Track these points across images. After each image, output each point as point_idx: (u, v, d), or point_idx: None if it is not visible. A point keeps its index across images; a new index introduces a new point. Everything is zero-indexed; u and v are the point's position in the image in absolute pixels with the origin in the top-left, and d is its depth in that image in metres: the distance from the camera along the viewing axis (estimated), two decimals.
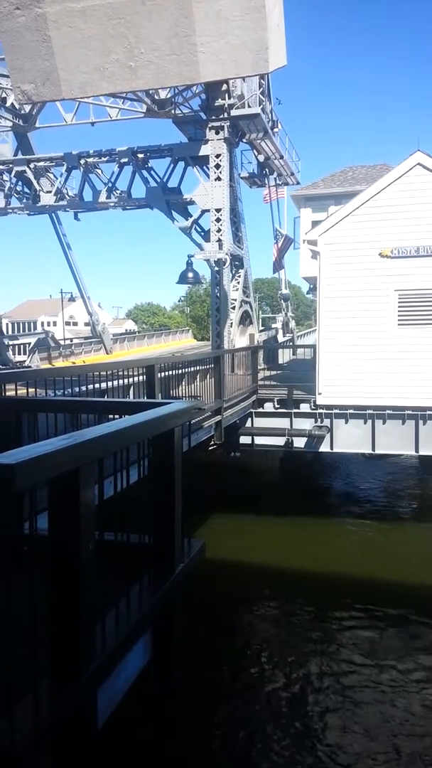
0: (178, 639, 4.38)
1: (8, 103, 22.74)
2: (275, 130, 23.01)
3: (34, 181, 23.43)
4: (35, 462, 2.54)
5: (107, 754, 3.63)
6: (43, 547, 3.04)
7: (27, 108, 23.17)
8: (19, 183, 24.55)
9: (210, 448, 12.98)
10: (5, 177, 24.17)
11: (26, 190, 24.70)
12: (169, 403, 4.51)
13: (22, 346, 30.28)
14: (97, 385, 7.45)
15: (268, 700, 7.62)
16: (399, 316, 13.83)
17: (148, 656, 4.17)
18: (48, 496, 2.98)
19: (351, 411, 14.17)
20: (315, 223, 17.88)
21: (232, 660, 8.67)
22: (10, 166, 23.57)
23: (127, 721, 4.02)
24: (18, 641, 2.79)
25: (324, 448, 14.45)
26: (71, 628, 2.99)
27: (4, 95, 22.56)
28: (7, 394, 5.72)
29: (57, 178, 23.58)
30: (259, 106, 20.31)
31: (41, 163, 23.46)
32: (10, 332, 46.53)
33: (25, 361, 27.62)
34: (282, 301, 33.52)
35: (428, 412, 13.57)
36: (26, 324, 78.16)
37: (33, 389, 6.59)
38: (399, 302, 13.82)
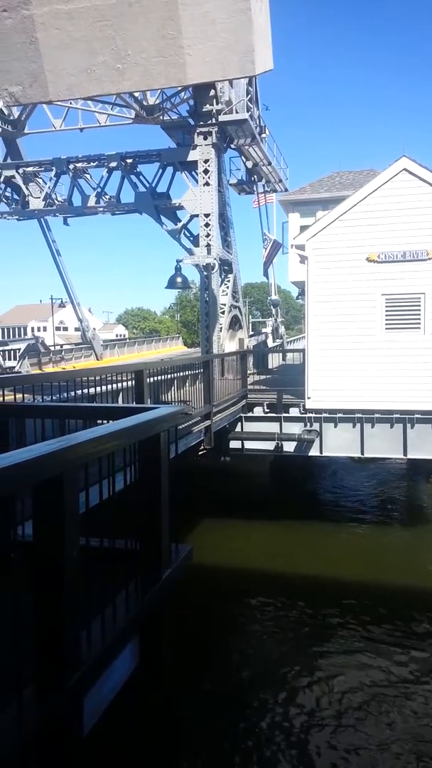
0: (165, 645, 4.37)
1: None
2: (263, 135, 23.16)
3: (23, 187, 23.40)
4: (18, 468, 2.54)
5: (93, 761, 3.61)
6: (29, 554, 3.03)
7: (16, 113, 23.17)
8: (8, 189, 24.51)
9: (199, 453, 12.98)
10: None
11: (15, 195, 24.66)
12: (155, 407, 4.51)
13: (11, 352, 30.13)
14: (86, 391, 7.44)
15: (259, 703, 7.61)
16: (386, 320, 13.92)
17: (135, 663, 4.16)
18: (32, 502, 2.97)
19: (340, 415, 14.23)
20: (303, 228, 17.96)
21: (222, 662, 8.66)
22: None
23: (115, 727, 4.00)
24: (2, 648, 2.78)
25: (313, 452, 14.49)
26: (55, 635, 2.98)
27: None
28: None
29: (46, 183, 23.57)
30: (247, 112, 20.44)
31: (30, 168, 23.44)
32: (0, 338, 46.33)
33: (15, 366, 27.50)
34: (272, 307, 33.60)
35: (416, 416, 13.66)
36: (16, 329, 77.83)
37: (21, 395, 6.56)
38: (386, 306, 13.91)
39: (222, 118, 19.83)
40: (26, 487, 2.87)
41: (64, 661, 2.99)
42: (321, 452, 14.51)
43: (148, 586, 4.11)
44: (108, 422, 4.10)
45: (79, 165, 22.53)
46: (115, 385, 8.54)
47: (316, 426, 14.38)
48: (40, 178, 24.13)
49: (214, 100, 19.69)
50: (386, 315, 13.93)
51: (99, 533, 3.77)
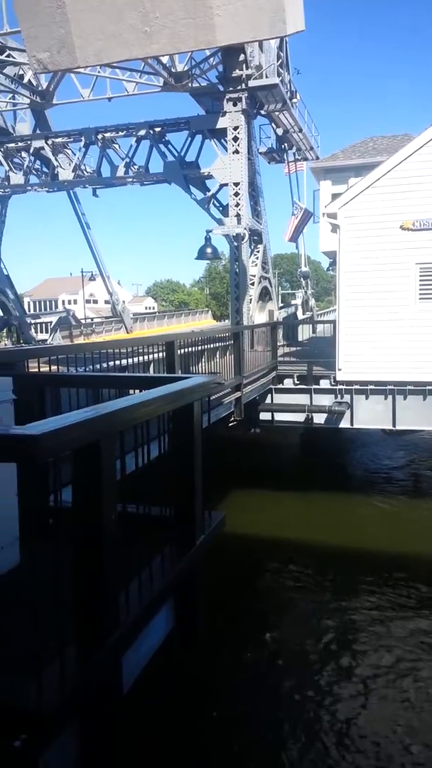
0: (201, 607, 4.46)
1: (26, 80, 22.60)
2: (294, 101, 22.57)
3: (52, 158, 23.35)
4: (57, 434, 2.58)
5: (134, 718, 3.74)
6: (67, 519, 3.10)
7: (44, 84, 23.01)
8: (37, 161, 24.52)
9: (230, 424, 13.03)
10: (23, 155, 24.14)
11: (44, 168, 24.67)
12: (188, 377, 4.52)
13: (44, 325, 30.56)
14: (117, 362, 7.50)
15: (288, 666, 7.76)
16: (420, 290, 13.60)
17: (171, 624, 4.26)
18: (71, 468, 3.02)
19: (371, 387, 14.07)
20: (335, 196, 17.56)
21: (254, 626, 8.84)
22: (29, 142, 23.51)
23: (153, 686, 4.13)
24: (45, 610, 2.87)
25: (344, 424, 14.40)
26: (95, 597, 3.06)
27: (21, 72, 22.41)
28: (30, 370, 5.80)
29: (75, 154, 23.48)
30: (278, 77, 19.90)
31: (59, 139, 23.35)
32: (31, 311, 46.95)
33: (47, 339, 27.89)
34: (301, 279, 33.14)
35: None
36: (47, 302, 78.63)
37: (55, 366, 6.65)
38: (420, 276, 13.58)
39: (252, 83, 19.35)
40: (65, 453, 2.92)
41: (104, 621, 3.07)
42: (352, 424, 14.41)
43: (183, 551, 4.19)
44: (141, 392, 4.14)
45: (107, 135, 22.34)
46: (144, 357, 8.58)
47: (346, 398, 14.25)
48: (69, 149, 24.04)
49: (244, 65, 19.20)
50: (420, 285, 13.61)
51: (135, 500, 3.84)
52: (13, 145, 24.00)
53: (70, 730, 2.98)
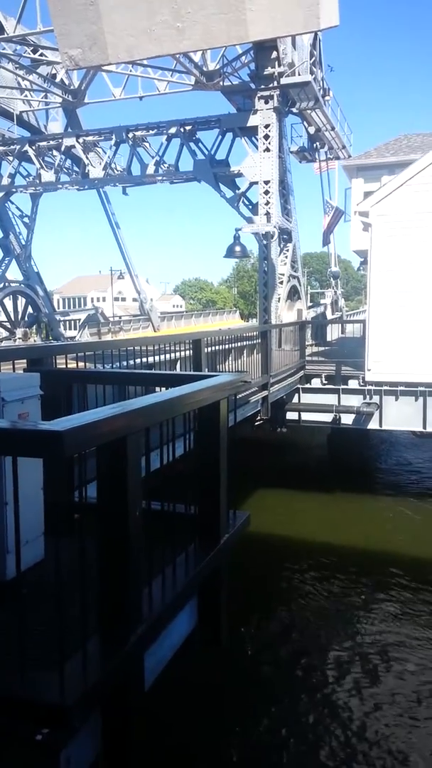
0: (224, 606, 4.44)
1: (58, 79, 22.85)
2: (326, 98, 22.34)
3: (83, 156, 23.56)
4: (83, 429, 2.58)
5: (155, 716, 3.74)
6: (92, 514, 3.11)
7: (76, 82, 23.23)
8: (68, 160, 24.80)
9: (256, 423, 12.98)
10: (54, 153, 24.42)
11: (75, 167, 24.93)
12: (215, 375, 4.50)
13: (72, 322, 30.88)
14: (144, 360, 7.53)
15: (312, 666, 7.69)
16: None
17: (194, 623, 4.25)
18: (96, 464, 3.03)
19: (401, 388, 13.84)
20: (367, 194, 17.32)
21: (277, 626, 8.79)
22: (60, 141, 23.76)
23: (174, 684, 4.12)
24: (69, 604, 2.88)
25: (373, 425, 14.21)
26: (119, 593, 3.06)
27: (54, 71, 22.67)
28: (58, 366, 5.86)
29: (105, 153, 23.65)
30: (311, 75, 19.71)
31: (90, 138, 23.54)
32: (61, 308, 47.52)
33: (75, 336, 28.20)
34: (331, 279, 32.83)
35: None
36: (76, 300, 79.53)
37: (83, 363, 6.71)
38: None
39: (284, 80, 19.22)
40: (91, 448, 2.93)
41: (127, 617, 3.07)
42: (380, 425, 14.21)
43: (207, 549, 4.17)
44: (168, 389, 4.13)
45: (138, 133, 22.43)
46: (171, 355, 8.60)
47: (375, 398, 14.06)
48: (100, 147, 24.23)
49: (276, 63, 19.08)
50: None
51: (160, 497, 3.84)
52: (44, 143, 24.31)
53: (91, 724, 3.00)
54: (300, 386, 15.04)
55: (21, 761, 2.70)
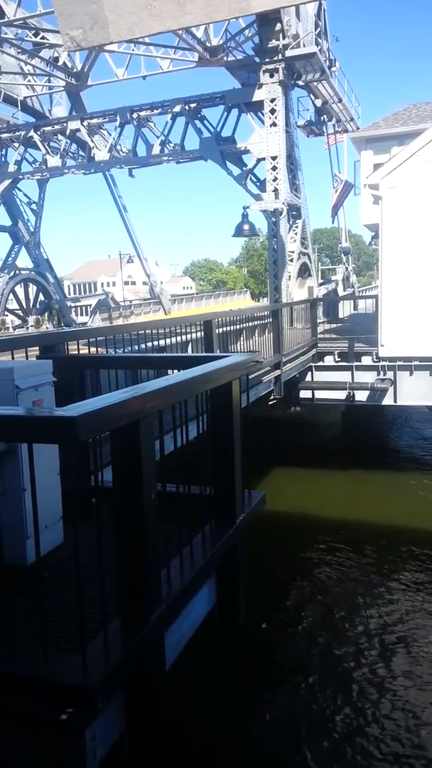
0: (242, 585, 4.48)
1: (60, 62, 22.60)
2: (333, 69, 21.85)
3: (88, 139, 23.36)
4: (96, 414, 2.59)
5: (176, 694, 3.80)
6: (109, 498, 3.14)
7: (79, 65, 22.96)
8: (73, 144, 24.61)
9: (270, 402, 12.96)
10: (60, 138, 24.25)
11: (81, 151, 24.75)
12: (226, 356, 4.49)
13: (83, 308, 30.92)
14: (156, 343, 7.52)
15: (329, 644, 7.76)
16: None
17: (213, 602, 4.30)
18: (111, 448, 3.04)
19: (416, 362, 13.73)
20: (377, 166, 17.00)
21: (295, 604, 8.86)
22: (65, 125, 23.57)
23: (195, 663, 4.18)
24: (89, 587, 2.92)
25: (387, 401, 14.14)
26: (137, 574, 3.09)
27: (56, 54, 22.40)
28: (70, 352, 5.87)
29: (110, 135, 23.43)
30: (316, 46, 19.27)
31: (94, 120, 23.31)
32: (71, 294, 47.57)
33: (86, 321, 28.24)
34: (342, 255, 32.42)
35: None
36: (87, 285, 79.51)
37: (95, 348, 6.71)
38: None
39: (289, 53, 18.81)
40: (104, 433, 2.94)
41: (146, 598, 3.11)
42: (395, 401, 14.13)
43: (223, 529, 4.20)
44: (179, 371, 4.12)
45: (142, 113, 22.15)
46: (183, 337, 8.58)
47: (389, 374, 13.97)
48: (105, 129, 24.00)
49: (281, 35, 18.66)
50: None
51: (176, 479, 3.85)
52: (49, 128, 24.12)
53: (115, 703, 3.05)
54: (313, 364, 14.97)
55: (48, 740, 2.76)
